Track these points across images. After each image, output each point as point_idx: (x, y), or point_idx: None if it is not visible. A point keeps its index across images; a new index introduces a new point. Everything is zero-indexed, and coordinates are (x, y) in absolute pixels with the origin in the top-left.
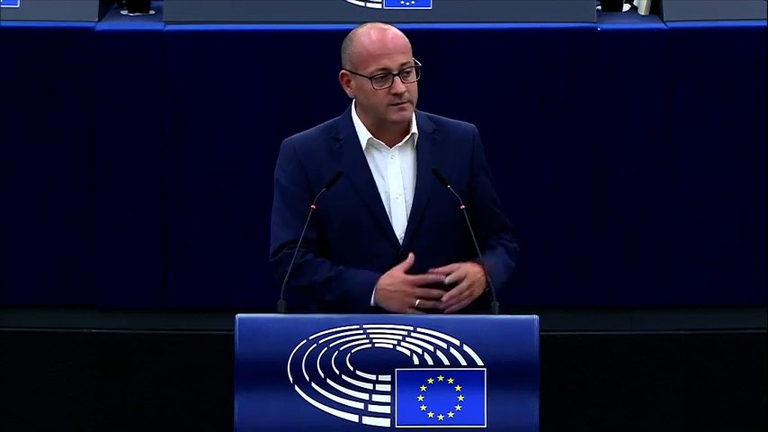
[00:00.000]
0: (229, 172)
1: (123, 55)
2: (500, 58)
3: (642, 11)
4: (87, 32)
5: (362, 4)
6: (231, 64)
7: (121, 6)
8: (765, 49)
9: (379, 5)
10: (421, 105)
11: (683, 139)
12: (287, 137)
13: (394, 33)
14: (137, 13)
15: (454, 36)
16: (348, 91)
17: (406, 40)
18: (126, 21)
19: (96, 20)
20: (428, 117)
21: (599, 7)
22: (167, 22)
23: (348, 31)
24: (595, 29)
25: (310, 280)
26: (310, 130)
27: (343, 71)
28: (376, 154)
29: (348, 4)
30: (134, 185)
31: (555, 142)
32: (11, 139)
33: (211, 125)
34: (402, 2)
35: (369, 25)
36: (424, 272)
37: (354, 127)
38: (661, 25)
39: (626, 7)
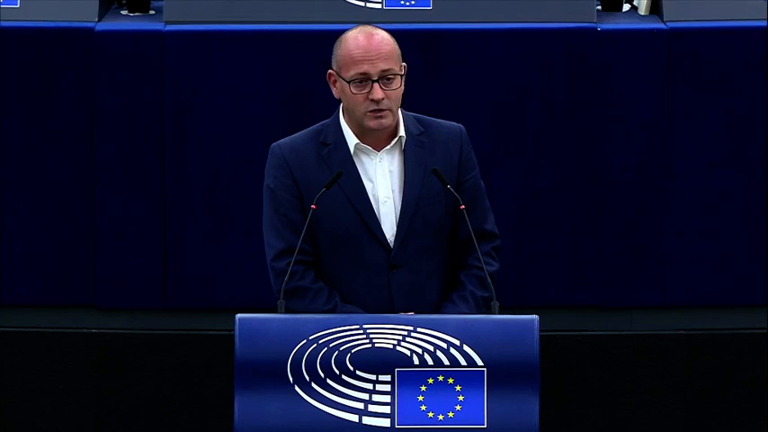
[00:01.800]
0: (229, 172)
1: (123, 55)
2: (500, 58)
3: (642, 11)
4: (87, 32)
5: (362, 4)
6: (231, 64)
7: (121, 6)
8: (765, 49)
9: (379, 5)
10: (421, 105)
11: (683, 139)
12: (286, 137)
13: (381, 38)
14: (137, 13)
15: (454, 36)
16: (334, 91)
17: (394, 46)
18: (126, 21)
19: (96, 20)
20: (415, 118)
21: (599, 7)
22: (167, 22)
23: (347, 31)
24: (595, 29)
25: (305, 307)
26: (299, 134)
27: (330, 71)
28: (364, 158)
29: (348, 4)
30: (134, 185)
31: (555, 142)
32: (11, 139)
33: (211, 125)
34: (402, 2)
35: (360, 28)
36: (418, 274)
37: (342, 131)
38: (661, 25)
39: (626, 7)
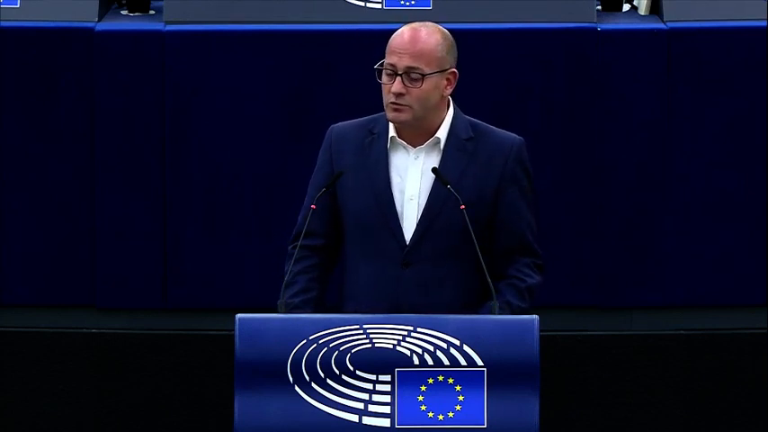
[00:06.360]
0: (229, 172)
1: (123, 55)
2: (500, 58)
3: (642, 11)
4: (87, 32)
5: (362, 4)
6: (231, 64)
7: (121, 6)
8: (765, 49)
9: (379, 5)
10: None
11: (683, 139)
12: (287, 137)
13: (422, 36)
14: (137, 13)
15: (454, 36)
16: None
17: (435, 47)
18: (126, 21)
19: (96, 20)
20: (471, 124)
21: (599, 7)
22: (167, 22)
23: (347, 31)
24: (595, 29)
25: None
26: (359, 119)
27: None
28: (401, 152)
29: (348, 4)
30: (134, 185)
31: (555, 142)
32: (11, 139)
33: (211, 125)
34: (402, 2)
35: (416, 23)
36: (431, 276)
37: (388, 123)
38: (661, 25)
39: (626, 7)
